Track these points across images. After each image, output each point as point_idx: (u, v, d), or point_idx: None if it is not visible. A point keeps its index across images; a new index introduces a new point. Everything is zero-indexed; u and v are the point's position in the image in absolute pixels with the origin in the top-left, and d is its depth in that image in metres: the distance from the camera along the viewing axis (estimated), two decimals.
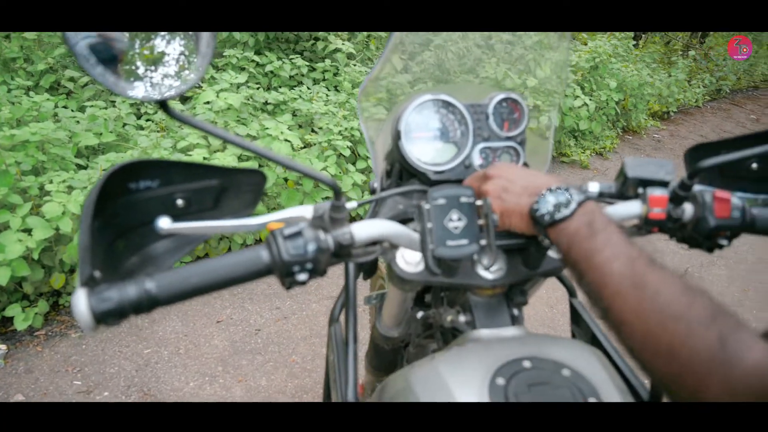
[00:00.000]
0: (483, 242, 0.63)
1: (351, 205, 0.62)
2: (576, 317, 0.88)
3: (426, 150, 0.82)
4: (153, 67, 0.49)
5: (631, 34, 6.81)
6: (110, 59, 0.46)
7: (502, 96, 0.83)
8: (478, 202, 0.64)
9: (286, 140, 2.80)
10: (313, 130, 3.40)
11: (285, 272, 0.53)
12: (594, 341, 0.84)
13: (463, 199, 0.63)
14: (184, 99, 3.47)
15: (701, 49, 8.41)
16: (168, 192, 0.63)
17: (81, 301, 0.46)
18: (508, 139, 0.83)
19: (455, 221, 0.62)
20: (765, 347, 0.47)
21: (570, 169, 4.57)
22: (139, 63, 0.48)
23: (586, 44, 5.39)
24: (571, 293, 0.90)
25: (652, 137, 5.73)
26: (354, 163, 3.19)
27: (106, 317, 0.47)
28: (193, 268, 0.52)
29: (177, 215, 0.63)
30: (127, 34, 0.47)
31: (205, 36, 0.49)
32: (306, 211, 0.62)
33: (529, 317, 2.82)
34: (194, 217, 0.65)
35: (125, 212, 0.61)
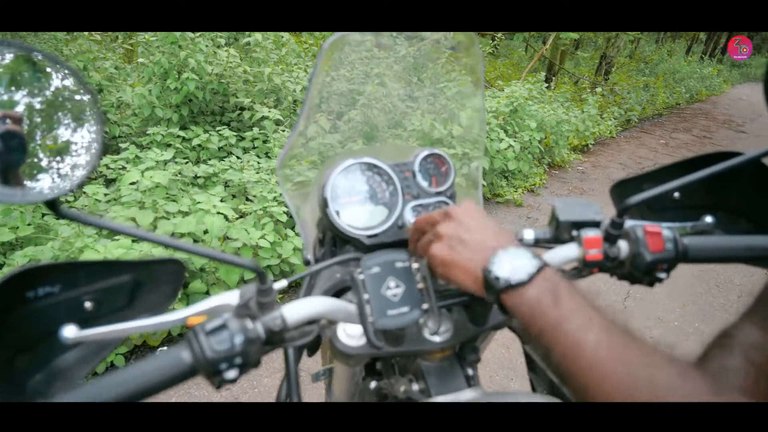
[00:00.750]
0: (425, 306, 0.60)
1: (280, 285, 0.59)
2: (532, 365, 0.86)
3: (356, 214, 0.79)
4: (36, 167, 0.44)
5: (542, 77, 7.28)
6: None
7: (426, 152, 0.83)
8: (415, 265, 0.62)
9: (219, 213, 2.73)
10: (247, 199, 3.34)
11: (211, 371, 0.48)
12: (552, 387, 0.82)
13: (399, 264, 0.61)
14: (108, 182, 3.34)
15: (606, 86, 9.08)
16: (73, 295, 0.57)
17: None
18: (438, 194, 0.82)
19: (393, 288, 0.59)
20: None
21: (505, 209, 4.70)
22: (18, 164, 0.44)
23: (503, 90, 5.69)
24: (524, 340, 0.88)
25: (576, 169, 6.03)
26: (293, 228, 3.14)
27: None
28: (104, 382, 0.46)
29: (86, 320, 0.56)
30: None
31: (94, 127, 0.46)
32: (230, 298, 0.57)
33: (486, 360, 2.80)
34: (106, 319, 0.59)
35: (24, 324, 0.55)
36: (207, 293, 2.67)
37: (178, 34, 3.87)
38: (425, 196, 0.81)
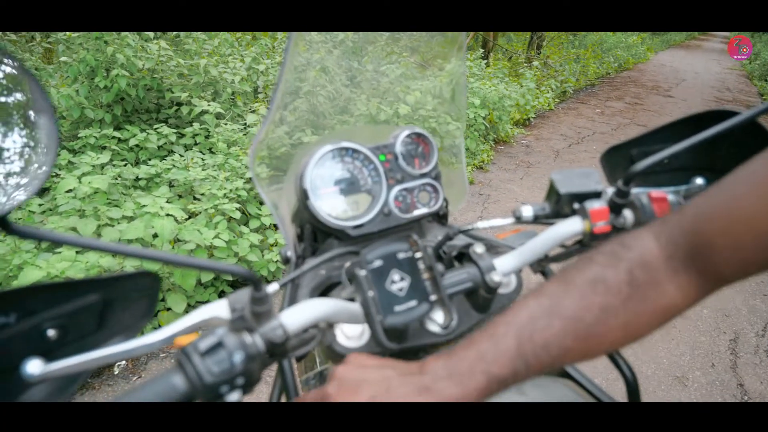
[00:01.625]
0: (433, 298, 0.56)
1: (272, 288, 0.53)
2: None
3: (338, 205, 0.74)
4: None
5: (480, 55, 7.35)
6: None
7: (406, 132, 0.78)
8: (417, 255, 0.58)
9: (168, 215, 2.59)
10: (195, 198, 3.19)
11: (211, 397, 0.43)
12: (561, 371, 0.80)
13: (401, 255, 0.56)
14: (41, 191, 3.10)
15: (540, 59, 9.27)
16: (32, 324, 0.50)
17: None
18: (423, 176, 0.78)
19: (398, 282, 0.55)
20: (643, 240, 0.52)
21: None
22: None
23: (443, 69, 5.69)
24: None
25: (521, 143, 6.15)
26: (246, 224, 3.03)
27: None
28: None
29: (50, 351, 0.49)
30: None
31: (45, 123, 0.38)
32: (220, 309, 0.51)
33: None
34: (73, 347, 0.52)
35: None
36: (163, 300, 2.54)
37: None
38: (410, 180, 0.77)
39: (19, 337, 0.49)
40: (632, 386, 0.72)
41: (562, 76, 8.92)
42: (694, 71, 13.28)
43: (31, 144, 0.39)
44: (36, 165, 0.38)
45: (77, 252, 2.22)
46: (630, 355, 2.63)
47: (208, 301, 2.79)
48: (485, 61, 7.44)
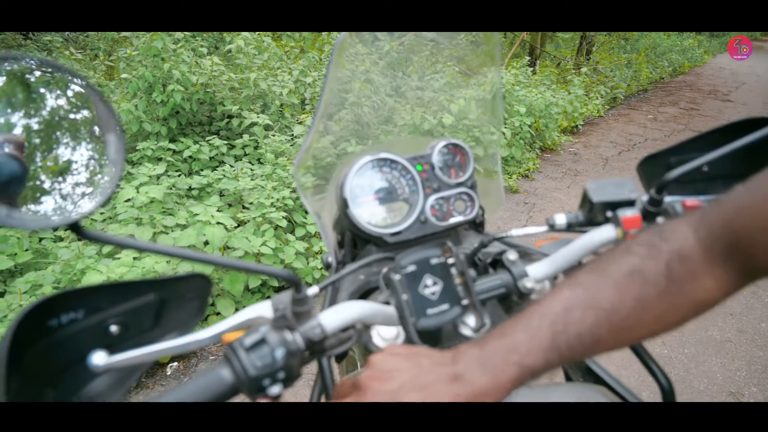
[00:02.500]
0: (465, 302, 0.58)
1: (312, 291, 0.56)
2: None
3: (376, 213, 0.77)
4: (55, 188, 0.42)
5: (526, 62, 7.27)
6: None
7: (443, 143, 0.81)
8: (450, 260, 0.60)
9: (218, 223, 2.69)
10: (244, 207, 3.31)
11: (254, 389, 0.46)
12: (587, 372, 0.80)
13: (434, 261, 0.59)
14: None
15: (589, 65, 9.08)
16: (98, 320, 0.55)
17: None
18: (459, 185, 0.80)
19: (431, 286, 0.58)
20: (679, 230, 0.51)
21: None
22: (35, 186, 0.41)
23: (487, 77, 5.66)
24: None
25: (568, 151, 6.03)
26: (292, 232, 3.11)
27: None
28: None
29: (112, 344, 0.54)
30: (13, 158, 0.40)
31: (113, 141, 0.43)
32: (264, 309, 0.55)
33: None
34: (133, 341, 0.57)
35: (50, 355, 0.52)
36: (212, 305, 2.64)
37: (159, 46, 3.82)
38: (446, 189, 0.79)
39: (86, 332, 0.55)
40: (668, 395, 0.71)
41: (612, 81, 8.71)
42: (755, 74, 12.66)
43: (103, 160, 0.44)
44: (105, 178, 0.43)
45: (135, 258, 2.35)
46: (681, 369, 2.53)
47: None
48: (532, 69, 7.36)
